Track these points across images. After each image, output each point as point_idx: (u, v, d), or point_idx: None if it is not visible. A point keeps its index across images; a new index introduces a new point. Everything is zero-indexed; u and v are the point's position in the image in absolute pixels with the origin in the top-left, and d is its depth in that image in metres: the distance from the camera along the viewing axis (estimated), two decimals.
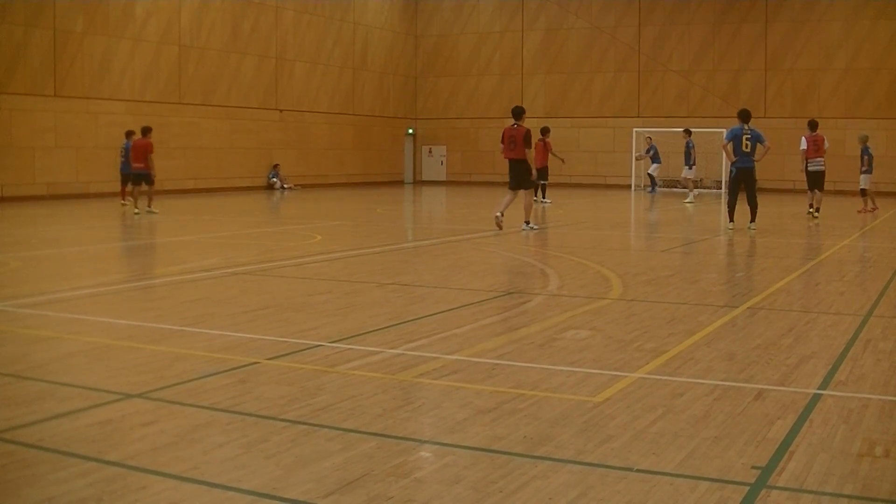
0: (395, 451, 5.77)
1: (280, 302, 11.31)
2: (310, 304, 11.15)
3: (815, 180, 24.96)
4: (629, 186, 40.72)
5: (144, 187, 26.40)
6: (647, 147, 38.00)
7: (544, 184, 30.61)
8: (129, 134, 27.92)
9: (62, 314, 10.38)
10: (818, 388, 7.26)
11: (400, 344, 8.74)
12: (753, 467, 5.46)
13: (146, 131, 26.62)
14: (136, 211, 25.78)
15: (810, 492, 5.09)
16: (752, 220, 21.10)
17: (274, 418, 6.38)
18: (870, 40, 40.40)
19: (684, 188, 34.49)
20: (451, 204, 34.04)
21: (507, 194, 20.97)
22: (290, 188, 39.88)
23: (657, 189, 39.22)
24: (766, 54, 42.09)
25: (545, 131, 31.02)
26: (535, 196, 28.70)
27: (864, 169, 27.02)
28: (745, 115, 21.08)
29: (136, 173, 26.36)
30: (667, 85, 43.97)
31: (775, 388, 7.27)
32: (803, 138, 25.02)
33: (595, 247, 18.18)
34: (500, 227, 20.23)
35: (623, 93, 44.88)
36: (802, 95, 41.49)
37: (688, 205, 31.13)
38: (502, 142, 20.78)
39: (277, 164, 40.19)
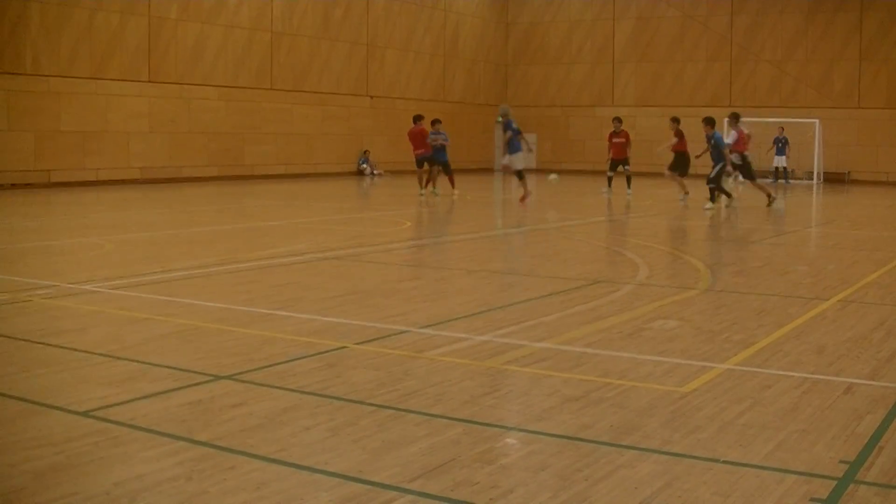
0: (482, 437, 5.79)
1: (369, 287, 11.39)
2: (398, 290, 11.22)
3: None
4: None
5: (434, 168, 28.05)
6: (777, 137, 38.62)
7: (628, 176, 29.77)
8: (434, 122, 28.48)
9: (155, 296, 10.55)
10: None
11: (488, 331, 8.76)
12: (841, 461, 5.39)
13: (416, 119, 28.13)
14: (434, 192, 27.55)
15: None
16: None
17: (361, 402, 6.43)
18: None
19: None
20: (539, 193, 33.90)
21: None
22: (379, 174, 40.01)
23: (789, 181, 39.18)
24: (861, 44, 41.24)
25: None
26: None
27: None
28: (711, 121, 24.83)
29: (419, 157, 27.92)
30: (759, 75, 43.34)
31: (865, 382, 7.18)
32: (735, 132, 25.97)
33: (684, 237, 18.05)
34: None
35: (715, 82, 44.33)
36: None
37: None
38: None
39: (367, 151, 40.36)
